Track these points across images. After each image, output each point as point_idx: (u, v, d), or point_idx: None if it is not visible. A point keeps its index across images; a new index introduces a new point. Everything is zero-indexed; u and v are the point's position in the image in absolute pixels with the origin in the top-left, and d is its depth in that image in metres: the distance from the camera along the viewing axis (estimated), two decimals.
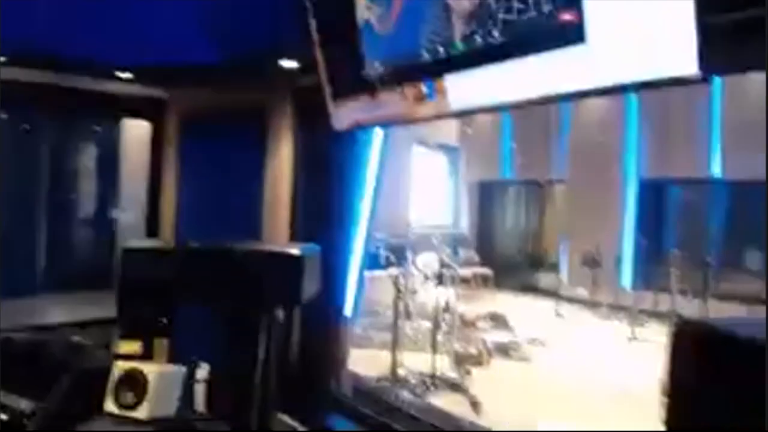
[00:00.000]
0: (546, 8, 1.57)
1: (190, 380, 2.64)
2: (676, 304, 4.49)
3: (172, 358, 2.69)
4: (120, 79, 2.78)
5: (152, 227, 3.08)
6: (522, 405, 3.82)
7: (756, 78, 6.12)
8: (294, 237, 2.85)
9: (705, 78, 1.41)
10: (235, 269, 2.41)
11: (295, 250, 2.24)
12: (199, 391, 2.65)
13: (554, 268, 8.03)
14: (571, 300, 7.07)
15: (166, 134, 2.98)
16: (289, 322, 2.93)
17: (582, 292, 7.17)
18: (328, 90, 2.20)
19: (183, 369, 2.59)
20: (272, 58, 2.51)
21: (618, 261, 7.12)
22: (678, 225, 7.32)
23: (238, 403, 2.65)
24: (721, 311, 5.39)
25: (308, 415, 2.91)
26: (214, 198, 3.04)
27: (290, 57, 2.48)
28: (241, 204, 2.95)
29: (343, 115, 2.20)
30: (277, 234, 2.84)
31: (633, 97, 7.19)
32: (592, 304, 7.01)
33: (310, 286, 2.34)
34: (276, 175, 2.87)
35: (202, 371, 2.70)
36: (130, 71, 2.70)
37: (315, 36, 2.12)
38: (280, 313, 2.97)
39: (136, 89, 2.76)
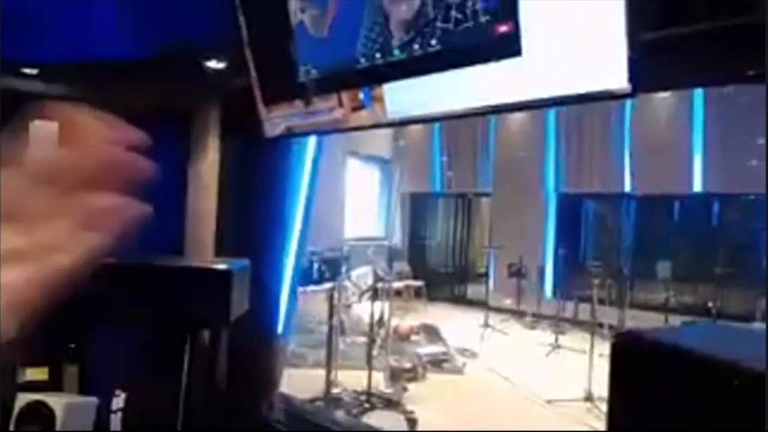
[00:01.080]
0: (483, 19, 1.56)
1: (106, 410, 2.41)
2: (596, 312, 4.73)
3: (85, 387, 2.43)
4: (24, 75, 2.49)
5: None
6: (456, 418, 3.82)
7: (663, 98, 6.68)
8: (221, 251, 2.66)
9: (633, 93, 1.46)
10: (156, 287, 2.21)
11: (222, 266, 2.09)
12: (116, 421, 2.42)
13: (483, 279, 8.23)
14: (498, 310, 7.28)
15: None
16: (215, 343, 2.73)
17: (508, 302, 7.40)
18: (258, 94, 2.08)
19: (94, 400, 2.35)
20: (198, 57, 2.35)
21: (541, 272, 7.43)
22: (595, 237, 7.79)
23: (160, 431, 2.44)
24: (636, 318, 5.74)
25: None
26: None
27: (218, 57, 2.33)
28: (161, 215, 2.73)
29: (275, 121, 2.08)
30: (202, 248, 2.64)
31: (551, 115, 7.62)
32: (518, 314, 7.25)
33: (239, 304, 2.19)
34: (201, 184, 2.68)
35: (118, 400, 2.47)
36: (35, 67, 2.42)
37: (244, 36, 2.00)
38: (206, 334, 2.78)
39: (43, 87, 2.48)
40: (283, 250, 2.99)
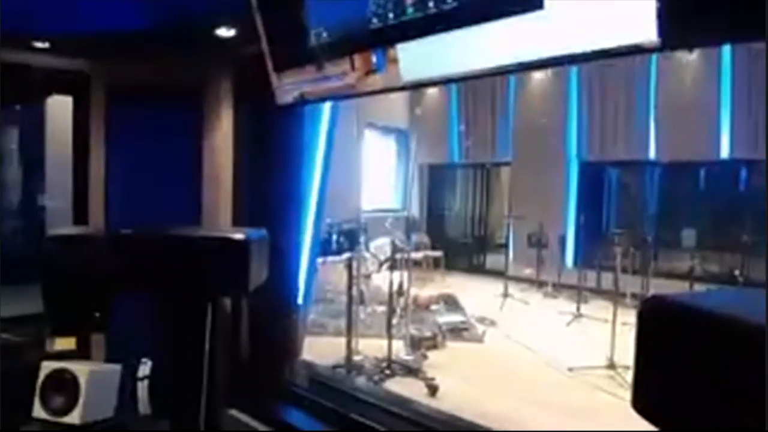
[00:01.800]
0: None
1: (131, 378, 2.47)
2: (618, 281, 4.66)
3: (111, 355, 2.50)
4: (36, 49, 2.48)
5: (81, 213, 2.81)
6: (477, 385, 3.85)
7: (689, 60, 6.41)
8: (238, 221, 2.67)
9: (663, 47, 1.38)
10: (175, 257, 2.22)
11: (239, 235, 2.08)
12: (142, 389, 2.48)
13: (502, 249, 8.17)
14: (518, 280, 7.24)
15: (92, 111, 2.70)
16: (236, 312, 2.77)
17: (528, 272, 7.35)
18: (270, 61, 2.03)
19: (118, 367, 2.41)
20: (209, 25, 2.30)
21: (562, 241, 7.33)
22: (618, 205, 7.63)
23: (184, 401, 2.50)
24: (660, 288, 5.64)
25: (262, 409, 2.78)
26: (147, 180, 2.81)
27: (228, 25, 2.28)
28: (178, 186, 2.74)
29: (288, 88, 2.05)
30: (220, 218, 2.65)
31: (574, 79, 7.38)
32: (538, 284, 7.20)
33: (258, 273, 2.19)
34: (216, 154, 2.67)
35: (144, 368, 2.53)
36: (48, 40, 2.41)
37: (254, 1, 1.94)
38: (227, 303, 2.82)
39: (56, 61, 2.47)
40: (301, 220, 2.99)
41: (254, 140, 2.69)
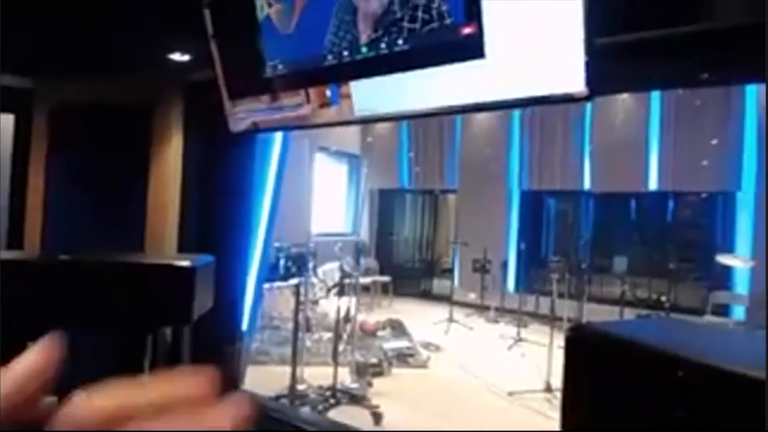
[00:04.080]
0: (448, 20, 1.59)
1: None
2: (555, 306, 4.89)
3: None
4: None
5: (15, 237, 2.66)
6: (421, 411, 3.88)
7: (622, 99, 6.91)
8: (184, 247, 2.61)
9: (590, 96, 1.51)
10: (115, 285, 2.16)
11: (184, 262, 2.05)
12: None
13: (449, 274, 8.34)
14: (463, 304, 7.40)
15: (34, 130, 2.58)
16: (177, 342, 2.68)
17: (473, 296, 7.53)
18: (224, 88, 2.04)
19: (54, 399, 2.28)
20: (161, 48, 2.29)
21: (504, 267, 7.60)
22: (555, 233, 8.02)
23: None
24: (594, 312, 5.94)
25: None
26: (89, 204, 2.70)
27: (182, 49, 2.28)
28: (121, 211, 2.65)
29: (241, 116, 2.06)
30: (164, 244, 2.59)
31: (516, 114, 7.77)
32: (482, 308, 7.39)
33: (203, 301, 2.15)
34: (163, 178, 2.62)
35: None
36: None
37: (209, 28, 1.96)
38: (168, 333, 2.73)
39: (4, 80, 2.36)
40: (249, 245, 2.96)
41: (203, 166, 2.66)
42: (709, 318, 5.78)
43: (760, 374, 0.93)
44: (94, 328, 2.40)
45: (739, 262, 5.65)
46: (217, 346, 2.94)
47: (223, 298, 2.59)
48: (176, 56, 2.34)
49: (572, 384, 1.29)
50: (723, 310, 6.01)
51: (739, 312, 5.96)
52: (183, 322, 2.38)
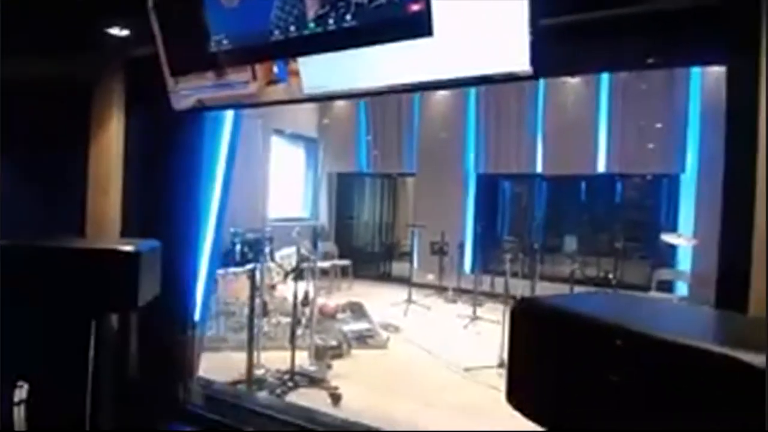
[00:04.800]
0: None
1: (7, 403, 2.25)
2: (510, 285, 5.03)
3: None
4: None
5: None
6: (379, 391, 3.92)
7: (572, 84, 7.08)
8: (127, 232, 2.51)
9: (535, 75, 1.53)
10: (55, 270, 2.05)
11: (128, 247, 1.97)
12: (19, 415, 2.27)
13: (407, 256, 8.42)
14: (422, 286, 7.50)
15: None
16: (124, 328, 2.60)
17: (431, 278, 7.64)
18: (165, 65, 1.95)
19: None
20: (99, 23, 2.16)
21: (461, 248, 7.74)
22: (510, 215, 8.23)
23: (65, 426, 2.30)
24: (545, 290, 6.13)
25: (152, 431, 2.62)
26: (27, 187, 2.55)
27: (121, 24, 2.16)
28: (60, 193, 2.52)
29: (185, 93, 1.98)
30: (107, 228, 2.48)
31: (471, 98, 7.85)
32: (440, 289, 7.52)
33: (149, 287, 2.08)
34: (104, 159, 2.49)
35: (21, 391, 2.30)
36: None
37: (149, 1, 1.87)
38: (114, 319, 2.63)
39: None
40: (199, 230, 2.88)
41: (147, 146, 2.55)
42: (653, 294, 6.07)
43: (695, 343, 0.98)
44: (34, 315, 2.29)
45: (682, 240, 5.94)
46: (168, 334, 2.86)
47: (173, 284, 2.52)
48: (115, 31, 2.22)
49: (516, 355, 1.33)
50: (667, 286, 6.33)
51: (682, 288, 6.28)
52: (128, 308, 2.30)
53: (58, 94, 2.54)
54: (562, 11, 1.66)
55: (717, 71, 5.57)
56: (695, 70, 6.03)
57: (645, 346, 1.01)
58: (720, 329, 1.25)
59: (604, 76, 6.75)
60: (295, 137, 8.96)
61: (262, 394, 3.64)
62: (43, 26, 2.19)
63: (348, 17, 1.64)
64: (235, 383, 3.68)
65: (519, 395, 1.25)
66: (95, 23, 2.26)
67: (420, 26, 1.51)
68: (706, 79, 6.10)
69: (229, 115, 2.95)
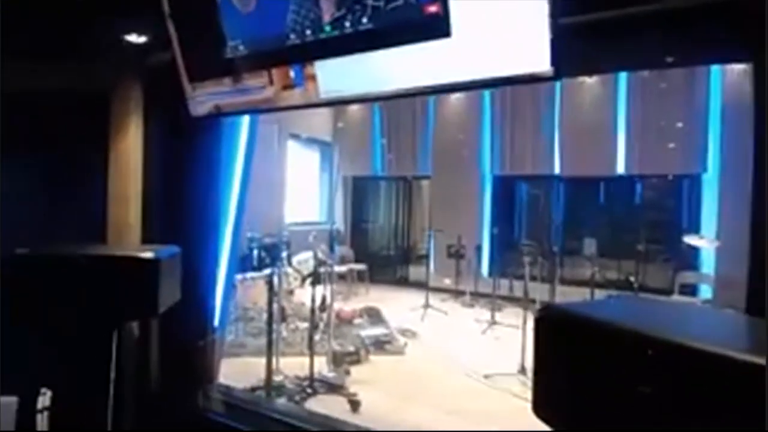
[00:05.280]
0: None
1: (30, 411, 2.27)
2: (528, 289, 4.95)
3: (8, 386, 2.27)
4: None
5: None
6: (398, 397, 3.88)
7: (589, 84, 6.98)
8: (147, 238, 2.52)
9: (556, 76, 1.50)
10: (77, 278, 2.07)
11: (148, 254, 1.98)
12: (42, 422, 2.29)
13: (424, 260, 8.37)
14: (439, 290, 7.43)
15: None
16: (145, 336, 2.61)
17: (448, 282, 7.58)
18: (183, 71, 1.96)
19: (14, 399, 2.21)
20: (117, 30, 2.18)
21: (478, 251, 7.66)
22: (528, 217, 8.12)
23: (89, 431, 2.32)
24: (565, 294, 6.04)
25: None
26: (47, 194, 2.58)
27: (139, 31, 2.17)
28: (81, 201, 2.54)
29: (202, 99, 1.98)
30: (127, 235, 2.49)
31: (487, 99, 7.79)
32: (457, 293, 7.45)
33: (170, 294, 2.09)
34: (124, 166, 2.51)
35: (44, 399, 2.33)
36: None
37: (165, 7, 1.87)
38: (135, 326, 2.65)
39: None
40: (217, 236, 2.88)
41: (166, 152, 2.56)
42: (676, 298, 5.93)
43: (730, 352, 0.93)
44: (56, 323, 2.31)
45: (705, 242, 5.81)
46: (188, 340, 2.87)
47: (192, 290, 2.52)
48: (133, 38, 2.24)
49: (542, 364, 1.29)
50: (690, 289, 6.18)
51: (705, 291, 6.13)
52: (149, 315, 2.31)
53: (77, 101, 2.57)
54: (581, 10, 1.62)
55: (738, 68, 5.45)
56: (715, 67, 5.90)
57: (678, 355, 0.97)
58: (754, 337, 1.20)
59: (622, 75, 6.64)
60: (311, 141, 8.99)
61: (281, 401, 3.64)
62: (61, 34, 2.22)
63: (364, 20, 1.62)
64: (254, 389, 3.68)
65: (546, 406, 1.21)
66: (112, 31, 2.28)
67: (437, 27, 1.49)
68: (727, 76, 5.96)
69: (245, 120, 2.96)
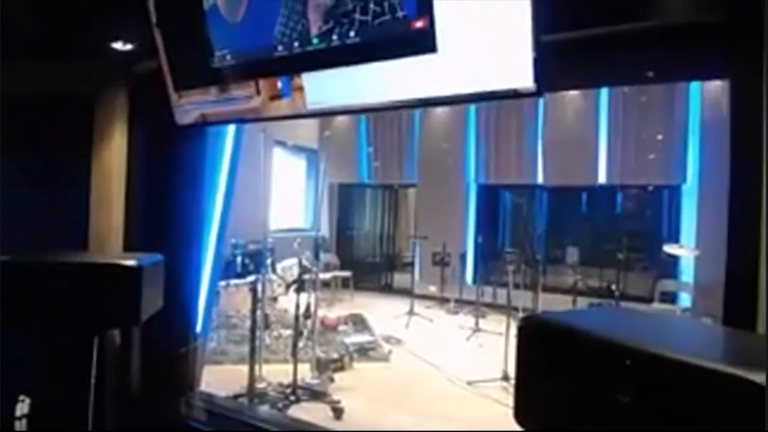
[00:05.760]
0: (400, 14, 1.58)
1: (9, 417, 2.24)
2: (511, 296, 5.00)
3: None
4: None
5: None
6: (382, 404, 3.88)
7: (572, 96, 7.10)
8: (130, 246, 2.50)
9: (538, 92, 1.54)
10: (58, 285, 2.04)
11: (130, 261, 1.97)
12: (21, 428, 2.26)
13: (409, 267, 8.39)
14: (424, 297, 7.46)
15: None
16: (126, 343, 2.58)
17: (433, 289, 7.61)
18: (169, 79, 1.96)
19: None
20: (103, 36, 2.17)
21: (463, 259, 7.71)
22: (511, 226, 8.22)
23: None
24: (548, 301, 6.10)
25: None
26: (29, 201, 2.55)
27: (125, 38, 2.17)
28: (63, 207, 2.51)
29: (188, 108, 1.98)
30: (109, 242, 2.47)
31: (472, 109, 7.88)
32: (442, 301, 7.48)
33: (152, 302, 2.07)
34: (107, 172, 2.49)
35: (23, 406, 2.29)
36: None
37: (153, 16, 1.88)
38: (116, 334, 2.62)
39: None
40: (201, 243, 2.87)
41: (150, 159, 2.55)
42: (656, 305, 6.04)
43: (706, 363, 0.97)
44: (36, 331, 2.28)
45: (684, 251, 5.92)
46: (170, 347, 2.85)
47: (175, 298, 2.51)
48: (119, 45, 2.23)
49: (524, 372, 1.32)
50: (670, 297, 6.30)
51: (685, 299, 6.25)
52: (131, 323, 2.29)
53: (61, 107, 2.55)
54: (563, 28, 1.66)
55: (717, 82, 5.60)
56: (695, 82, 6.05)
57: (655, 366, 1.00)
58: (729, 348, 1.24)
59: (604, 89, 6.77)
60: (297, 149, 8.98)
61: (264, 408, 3.61)
62: (47, 40, 2.21)
63: (351, 33, 1.65)
64: (236, 397, 3.65)
65: (527, 414, 1.24)
66: (99, 37, 2.28)
67: (424, 43, 1.52)
68: (706, 90, 6.12)
69: (231, 128, 2.96)
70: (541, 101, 7.17)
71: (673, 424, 0.98)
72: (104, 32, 2.26)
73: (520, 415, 1.24)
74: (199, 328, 3.08)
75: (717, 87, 5.71)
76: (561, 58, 1.74)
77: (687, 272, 6.39)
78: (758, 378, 0.87)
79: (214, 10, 1.82)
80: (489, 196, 8.21)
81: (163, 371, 2.73)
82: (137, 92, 2.49)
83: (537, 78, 1.41)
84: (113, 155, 2.51)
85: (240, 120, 2.12)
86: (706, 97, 6.16)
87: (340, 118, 8.86)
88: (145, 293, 1.97)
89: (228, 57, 1.86)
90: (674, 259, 6.40)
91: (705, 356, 0.98)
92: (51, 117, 2.54)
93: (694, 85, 6.18)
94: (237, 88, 1.88)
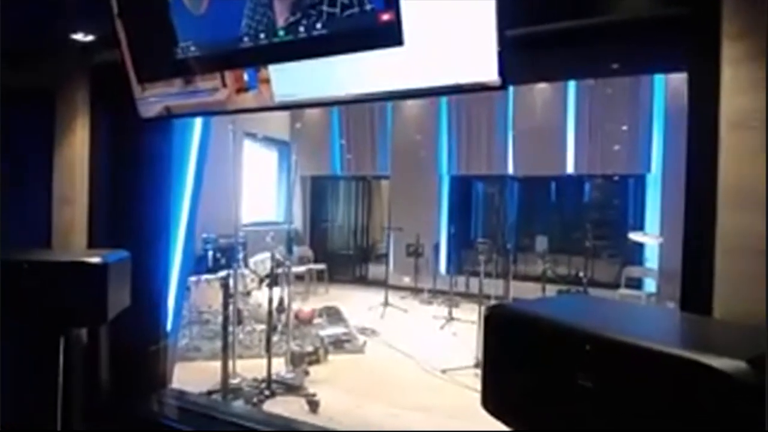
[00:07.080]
0: (368, 6, 1.58)
1: None
2: (484, 285, 5.08)
3: None
4: None
5: None
6: (357, 395, 3.91)
7: (541, 88, 7.21)
8: (95, 242, 2.44)
9: (503, 86, 1.56)
10: (20, 284, 1.99)
11: (95, 259, 1.92)
12: None
13: (383, 259, 8.43)
14: (398, 288, 7.52)
15: None
16: (94, 341, 2.53)
17: (407, 280, 7.67)
18: (131, 71, 1.91)
19: None
20: (63, 28, 2.10)
21: (436, 250, 7.80)
22: (483, 216, 8.34)
23: None
24: (519, 289, 6.23)
25: None
26: None
27: (86, 29, 2.10)
28: (25, 204, 2.44)
29: (152, 100, 1.94)
30: (73, 240, 2.40)
31: (444, 101, 7.93)
32: (416, 291, 7.55)
33: (119, 299, 2.03)
34: (69, 167, 2.42)
35: None
36: None
37: (114, 7, 1.82)
38: (83, 333, 2.56)
39: None
40: (169, 238, 2.82)
41: (114, 153, 2.48)
42: (622, 291, 6.22)
43: (662, 347, 1.01)
44: (2, 328, 2.21)
45: (649, 239, 6.11)
46: (140, 345, 2.80)
47: (143, 295, 2.46)
48: (79, 36, 2.16)
49: (490, 360, 1.35)
50: (636, 283, 6.50)
51: (650, 285, 6.46)
52: (97, 322, 2.24)
53: (21, 101, 2.46)
54: (528, 22, 1.69)
55: (680, 75, 5.76)
56: (659, 76, 6.22)
57: (613, 350, 1.04)
58: (686, 333, 1.29)
59: (572, 81, 6.90)
60: (268, 141, 8.87)
61: (238, 404, 3.59)
62: (4, 32, 2.12)
63: (318, 25, 1.63)
64: (209, 393, 3.62)
65: (494, 400, 1.27)
66: (59, 29, 2.20)
67: (391, 36, 1.52)
68: (670, 83, 6.30)
69: (198, 120, 2.91)
70: (511, 93, 7.27)
71: (632, 406, 1.02)
72: (64, 24, 2.18)
73: (487, 402, 1.28)
74: (169, 325, 3.03)
75: (681, 79, 5.86)
76: (526, 52, 1.76)
77: (652, 259, 6.60)
78: (709, 361, 0.91)
79: (177, 0, 1.78)
80: (461, 187, 8.30)
81: (133, 370, 2.68)
82: (99, 85, 2.41)
83: (502, 71, 1.44)
84: (76, 150, 2.43)
85: (206, 113, 2.09)
86: (670, 88, 6.34)
87: (312, 111, 8.78)
88: (111, 291, 1.93)
89: (192, 48, 1.82)
90: (639, 246, 6.61)
91: (661, 342, 1.03)
92: (11, 112, 2.45)
93: (659, 78, 6.35)
94: (202, 80, 1.85)
